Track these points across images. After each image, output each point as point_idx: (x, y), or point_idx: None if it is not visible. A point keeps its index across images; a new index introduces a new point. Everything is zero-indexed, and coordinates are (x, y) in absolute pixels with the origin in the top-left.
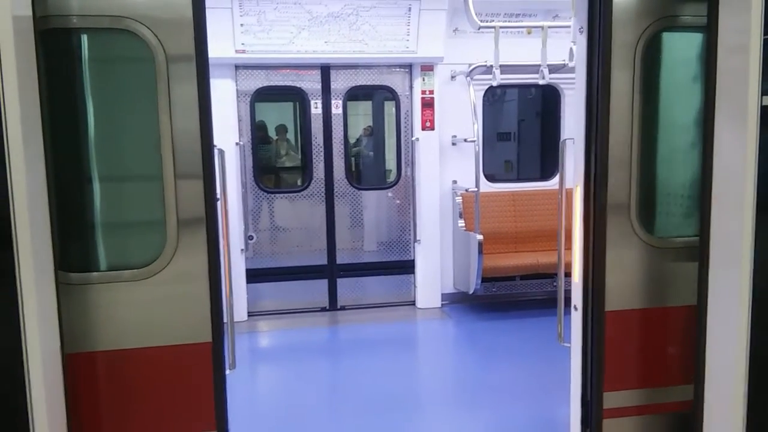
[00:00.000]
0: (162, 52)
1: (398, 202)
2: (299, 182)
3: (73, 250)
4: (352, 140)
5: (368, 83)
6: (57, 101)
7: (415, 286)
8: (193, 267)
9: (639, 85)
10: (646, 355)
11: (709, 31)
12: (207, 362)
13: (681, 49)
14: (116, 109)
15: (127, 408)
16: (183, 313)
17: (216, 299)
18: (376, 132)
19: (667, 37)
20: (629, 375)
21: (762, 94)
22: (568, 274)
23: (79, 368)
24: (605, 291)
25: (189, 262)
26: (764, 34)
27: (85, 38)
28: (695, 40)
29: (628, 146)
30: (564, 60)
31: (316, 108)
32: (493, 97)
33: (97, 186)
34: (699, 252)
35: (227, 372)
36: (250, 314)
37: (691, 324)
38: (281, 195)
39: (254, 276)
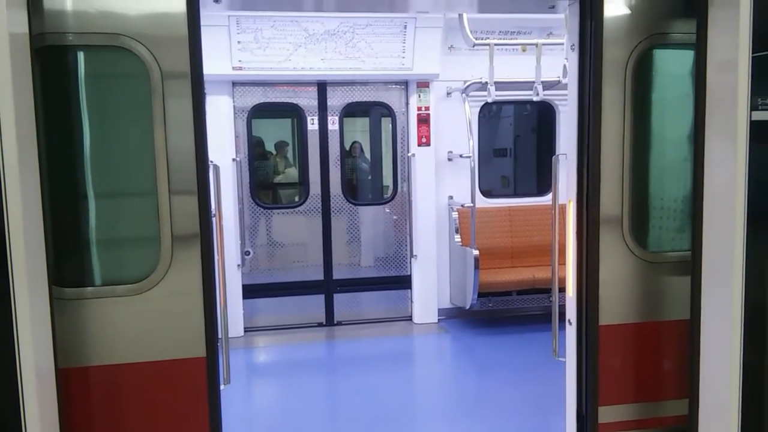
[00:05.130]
0: (157, 68)
1: (395, 217)
2: (296, 198)
3: (67, 265)
4: (348, 157)
5: (364, 100)
6: (53, 118)
7: (411, 301)
8: (187, 282)
9: (630, 100)
10: (641, 369)
11: (698, 48)
12: (201, 377)
13: (671, 66)
14: (111, 126)
15: (121, 423)
16: (177, 328)
17: (210, 314)
18: (372, 148)
19: (657, 53)
20: (624, 389)
21: (751, 110)
22: (563, 289)
23: (73, 383)
24: (599, 305)
25: (183, 277)
26: (752, 52)
27: (81, 55)
28: (685, 56)
29: (619, 161)
30: (558, 77)
31: (312, 124)
32: (489, 113)
33: (92, 201)
34: (691, 266)
35: (222, 387)
36: (246, 330)
37: (685, 338)
38: (278, 210)
39: (251, 291)
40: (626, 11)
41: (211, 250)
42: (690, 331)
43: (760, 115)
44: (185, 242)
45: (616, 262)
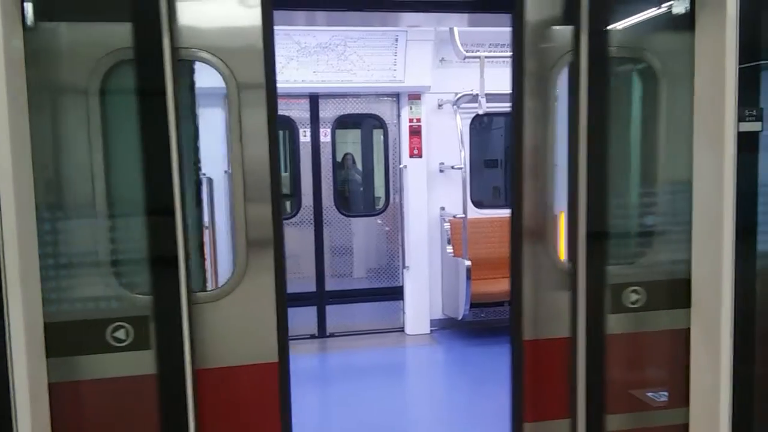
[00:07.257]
0: (234, 81)
1: (387, 228)
2: (288, 210)
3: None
4: (340, 168)
5: (356, 112)
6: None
7: (404, 313)
8: (261, 288)
9: (552, 112)
10: (564, 385)
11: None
12: (273, 382)
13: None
14: (190, 137)
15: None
16: (252, 334)
17: (282, 319)
18: (364, 160)
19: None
20: (550, 404)
21: (738, 121)
22: None
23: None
24: (522, 319)
25: (257, 283)
26: (739, 63)
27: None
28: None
29: (543, 173)
30: None
31: (305, 136)
32: (480, 124)
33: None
34: (570, 279)
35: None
36: None
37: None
38: None
39: None
40: (551, 24)
41: (283, 256)
42: (571, 348)
43: (747, 126)
44: (259, 249)
45: (538, 274)
